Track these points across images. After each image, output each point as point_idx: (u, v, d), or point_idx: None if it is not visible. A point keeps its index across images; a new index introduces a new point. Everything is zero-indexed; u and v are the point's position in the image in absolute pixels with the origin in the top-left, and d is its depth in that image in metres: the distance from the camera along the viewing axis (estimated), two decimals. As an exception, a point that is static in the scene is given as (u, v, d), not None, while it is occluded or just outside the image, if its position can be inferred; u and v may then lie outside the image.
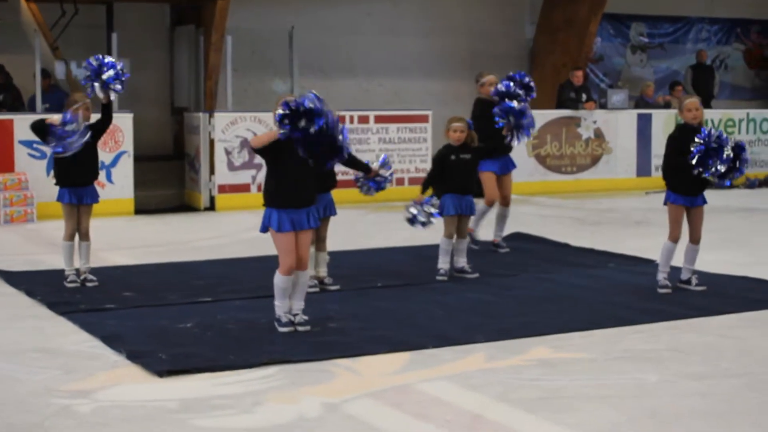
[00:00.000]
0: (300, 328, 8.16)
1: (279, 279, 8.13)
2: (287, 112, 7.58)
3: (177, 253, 12.21)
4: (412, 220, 10.09)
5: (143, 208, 16.23)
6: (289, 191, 8.00)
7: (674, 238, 9.75)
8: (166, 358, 7.32)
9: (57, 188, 10.23)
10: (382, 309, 9.09)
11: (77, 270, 10.14)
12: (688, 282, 9.85)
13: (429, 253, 10.79)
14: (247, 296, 9.56)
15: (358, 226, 14.39)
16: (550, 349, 7.72)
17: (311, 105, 7.59)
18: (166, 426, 6.00)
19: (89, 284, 10.08)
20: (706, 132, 9.23)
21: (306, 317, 8.25)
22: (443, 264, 10.52)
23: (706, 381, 6.91)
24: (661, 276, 9.79)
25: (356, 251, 12.16)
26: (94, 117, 10.14)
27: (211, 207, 16.71)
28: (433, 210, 10.11)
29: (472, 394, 6.58)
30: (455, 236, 10.56)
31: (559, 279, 10.53)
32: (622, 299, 9.49)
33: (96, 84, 9.99)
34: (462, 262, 10.62)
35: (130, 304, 9.24)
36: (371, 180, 9.93)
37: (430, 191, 10.43)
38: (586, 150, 19.68)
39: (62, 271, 10.18)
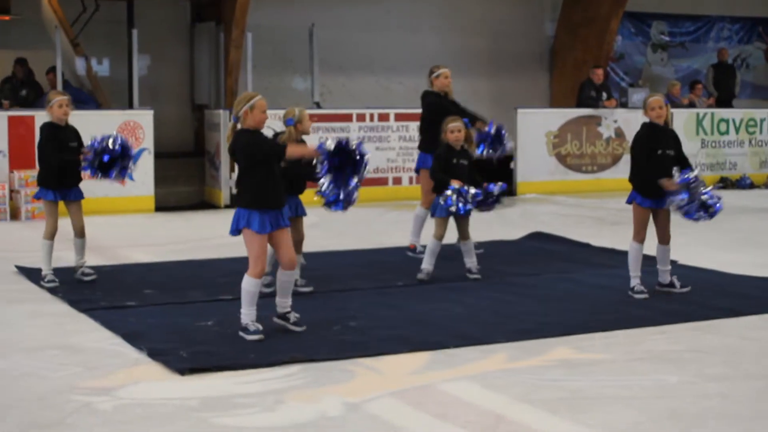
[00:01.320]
0: (296, 328, 8.08)
1: (249, 283, 7.94)
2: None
3: (197, 251, 12.23)
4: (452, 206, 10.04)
5: (163, 205, 16.27)
6: (271, 193, 7.94)
7: (640, 239, 9.60)
8: (187, 356, 7.33)
9: (82, 184, 10.17)
10: (402, 308, 9.08)
11: (54, 270, 10.09)
12: (670, 285, 9.73)
13: (449, 252, 10.77)
14: (267, 294, 9.55)
15: (377, 224, 14.38)
16: (572, 349, 7.71)
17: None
18: (187, 424, 6.01)
19: (87, 278, 10.11)
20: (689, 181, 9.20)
21: (298, 315, 8.18)
22: (427, 265, 10.34)
23: (726, 382, 6.89)
24: (635, 282, 9.62)
25: (376, 250, 12.16)
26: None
27: (232, 204, 16.70)
28: (472, 190, 10.01)
29: (493, 394, 6.57)
30: (451, 238, 10.39)
31: (580, 279, 10.51)
32: (643, 300, 9.46)
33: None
34: (470, 262, 10.48)
35: (151, 302, 9.26)
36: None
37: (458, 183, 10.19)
38: (607, 149, 19.65)
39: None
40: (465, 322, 8.54)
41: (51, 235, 10.08)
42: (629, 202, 9.63)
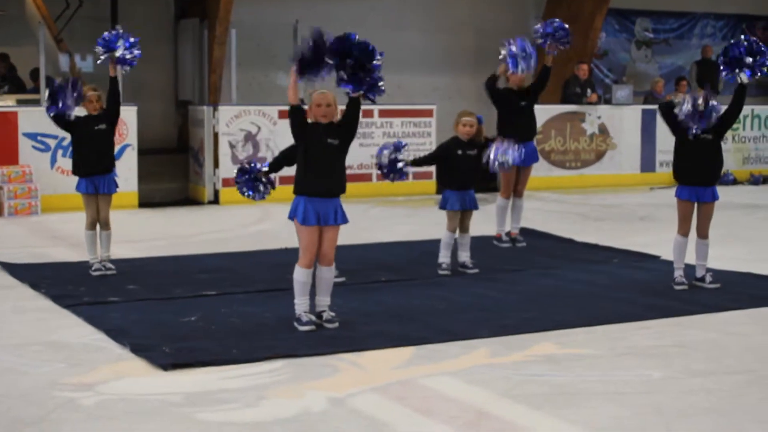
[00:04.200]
0: (329, 325, 8.08)
1: (298, 272, 8.04)
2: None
3: (181, 247, 12.22)
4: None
5: (147, 201, 16.25)
6: (317, 179, 7.96)
7: (683, 232, 9.73)
8: (170, 352, 7.31)
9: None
10: (386, 304, 9.08)
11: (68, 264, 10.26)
12: (702, 280, 9.82)
13: (432, 248, 10.78)
14: (251, 290, 9.57)
15: (362, 221, 14.36)
16: (555, 344, 7.71)
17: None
18: (170, 419, 5.99)
19: (108, 272, 10.23)
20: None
21: (333, 313, 8.19)
22: (444, 258, 10.52)
23: (710, 377, 6.90)
24: (677, 273, 9.76)
25: (359, 245, 12.14)
26: None
27: (215, 200, 16.72)
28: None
29: (476, 390, 6.58)
30: (458, 230, 10.56)
31: (564, 275, 10.52)
32: (627, 295, 9.49)
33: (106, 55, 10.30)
34: (465, 256, 10.61)
35: (135, 298, 9.24)
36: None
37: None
38: (591, 145, 19.68)
39: (67, 263, 10.22)
40: (448, 318, 8.54)
41: (91, 225, 10.34)
42: (676, 195, 9.79)
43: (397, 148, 10.02)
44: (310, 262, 8.03)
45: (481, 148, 10.53)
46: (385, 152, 10.05)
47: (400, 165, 10.03)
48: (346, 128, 8.14)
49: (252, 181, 9.40)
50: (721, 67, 9.85)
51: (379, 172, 10.32)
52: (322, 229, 8.02)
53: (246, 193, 9.43)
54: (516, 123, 12.19)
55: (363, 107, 17.82)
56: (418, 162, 10.68)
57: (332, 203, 8.04)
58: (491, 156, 10.44)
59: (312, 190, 7.97)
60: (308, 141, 8.01)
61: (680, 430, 5.87)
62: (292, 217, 8.08)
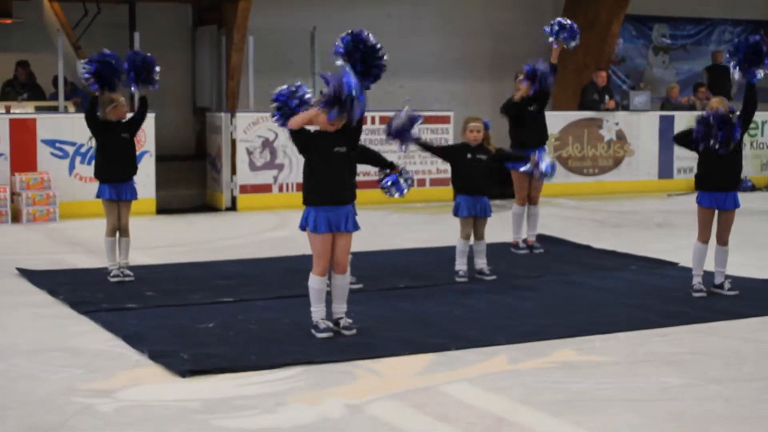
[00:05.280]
0: (346, 332, 8.07)
1: (313, 280, 8.06)
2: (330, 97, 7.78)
3: (198, 253, 12.23)
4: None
5: (165, 207, 16.27)
6: (327, 187, 7.95)
7: (703, 239, 9.69)
8: (188, 358, 7.32)
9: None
10: (404, 310, 9.08)
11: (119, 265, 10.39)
12: (720, 286, 9.78)
13: (450, 254, 10.76)
14: (269, 296, 9.58)
15: (380, 227, 14.38)
16: (573, 351, 7.70)
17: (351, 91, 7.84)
18: (188, 426, 6.00)
19: (126, 279, 10.27)
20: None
21: (350, 321, 8.18)
22: (461, 265, 10.50)
23: (728, 385, 6.88)
24: (695, 280, 9.73)
25: (378, 252, 12.15)
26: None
27: (233, 207, 16.73)
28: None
29: (494, 397, 6.57)
30: (472, 237, 10.54)
31: (581, 281, 10.50)
32: (645, 302, 9.46)
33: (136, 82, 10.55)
34: (481, 263, 10.59)
35: (152, 304, 9.25)
36: (396, 182, 9.73)
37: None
38: (608, 152, 19.64)
39: (85, 270, 10.24)
40: (466, 324, 8.53)
41: (111, 232, 10.39)
42: (697, 202, 9.75)
43: (412, 121, 9.88)
44: (324, 269, 8.04)
45: (492, 157, 10.51)
46: (402, 115, 9.89)
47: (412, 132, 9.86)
48: (353, 133, 8.10)
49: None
50: (735, 65, 9.72)
51: (387, 134, 10.09)
52: (335, 237, 8.02)
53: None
54: (527, 129, 12.25)
55: (380, 113, 17.89)
56: (424, 145, 10.63)
57: (343, 210, 8.02)
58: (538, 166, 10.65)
59: (321, 200, 7.96)
60: (314, 151, 7.99)
61: (699, 438, 5.87)
62: (303, 226, 8.08)
